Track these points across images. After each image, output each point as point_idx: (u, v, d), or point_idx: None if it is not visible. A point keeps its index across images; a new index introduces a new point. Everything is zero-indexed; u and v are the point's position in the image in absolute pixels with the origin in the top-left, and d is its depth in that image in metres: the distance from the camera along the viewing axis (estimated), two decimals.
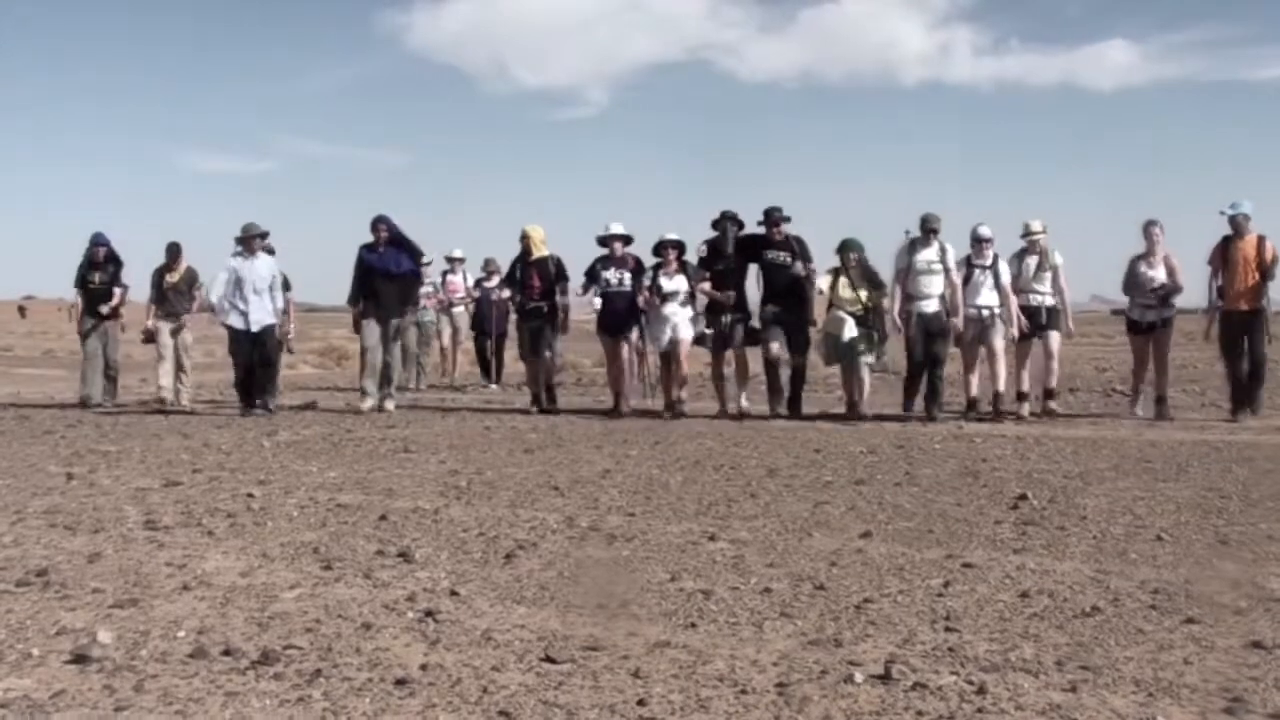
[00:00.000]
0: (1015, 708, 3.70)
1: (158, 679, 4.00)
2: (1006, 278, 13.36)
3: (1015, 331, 13.30)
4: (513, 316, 16.96)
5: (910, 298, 13.30)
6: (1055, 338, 13.69)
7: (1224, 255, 13.10)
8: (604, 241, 14.35)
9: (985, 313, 13.28)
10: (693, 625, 4.70)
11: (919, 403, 13.57)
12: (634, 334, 14.34)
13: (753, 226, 13.94)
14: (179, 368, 15.75)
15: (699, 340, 13.90)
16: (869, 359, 13.53)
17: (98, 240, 16.28)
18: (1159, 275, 13.37)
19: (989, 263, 13.34)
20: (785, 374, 13.87)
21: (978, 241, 13.44)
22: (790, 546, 6.22)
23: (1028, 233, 13.77)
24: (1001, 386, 13.47)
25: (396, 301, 14.73)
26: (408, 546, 6.14)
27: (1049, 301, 13.71)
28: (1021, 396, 13.53)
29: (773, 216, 13.70)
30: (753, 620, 4.76)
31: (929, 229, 13.42)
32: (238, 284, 14.26)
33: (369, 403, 14.55)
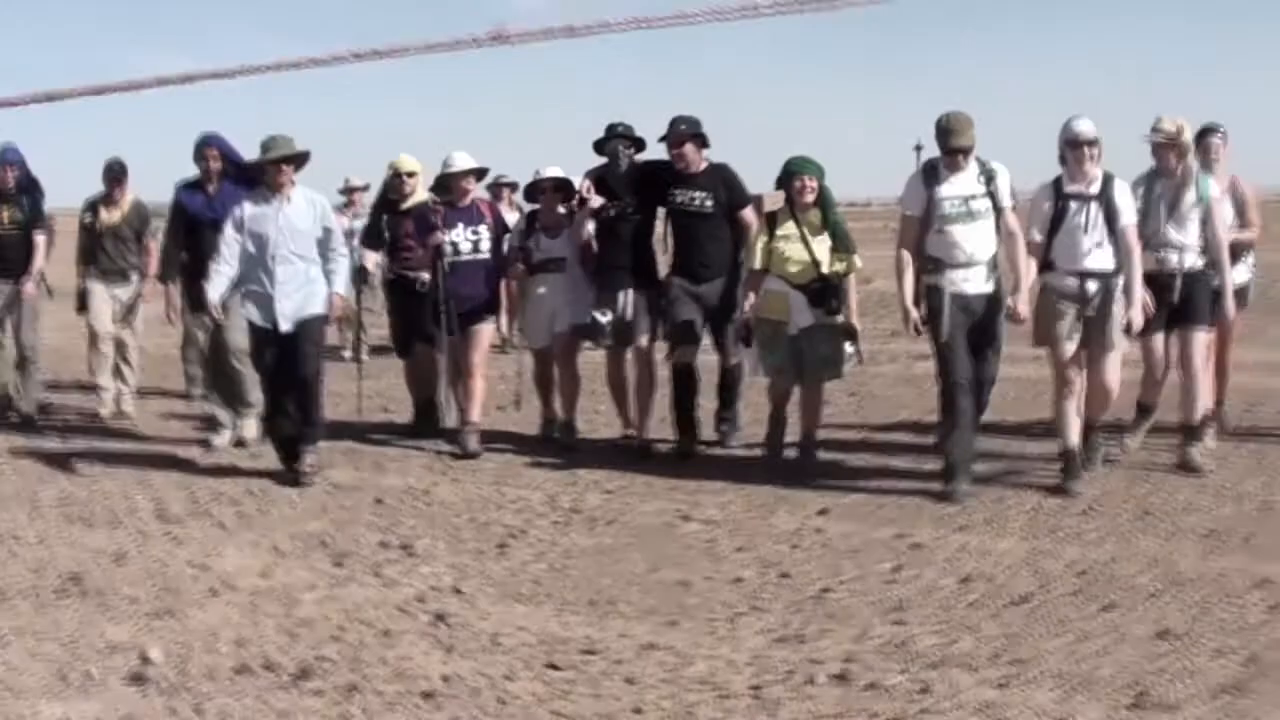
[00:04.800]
0: (954, 706, 4.35)
1: (212, 699, 4.58)
2: (1131, 214, 7.44)
3: (1138, 317, 7.38)
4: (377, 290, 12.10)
5: (933, 265, 7.44)
6: (1200, 340, 7.86)
7: None
8: (442, 184, 9.50)
9: (1093, 284, 7.39)
10: (675, 623, 5.33)
11: (968, 489, 7.38)
12: (490, 324, 9.52)
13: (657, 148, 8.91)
14: (120, 358, 10.71)
15: (587, 331, 9.03)
16: (830, 369, 8.23)
17: (5, 157, 10.06)
18: None
19: (1096, 189, 7.38)
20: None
21: (1074, 147, 7.39)
22: None
23: (1163, 136, 7.76)
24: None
25: None
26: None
27: (1195, 262, 7.79)
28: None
29: (679, 133, 8.58)
30: (726, 616, 5.40)
31: (954, 146, 7.34)
32: (256, 247, 8.20)
33: (220, 436, 9.41)
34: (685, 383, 8.80)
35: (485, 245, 9.10)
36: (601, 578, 6.04)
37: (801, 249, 8.00)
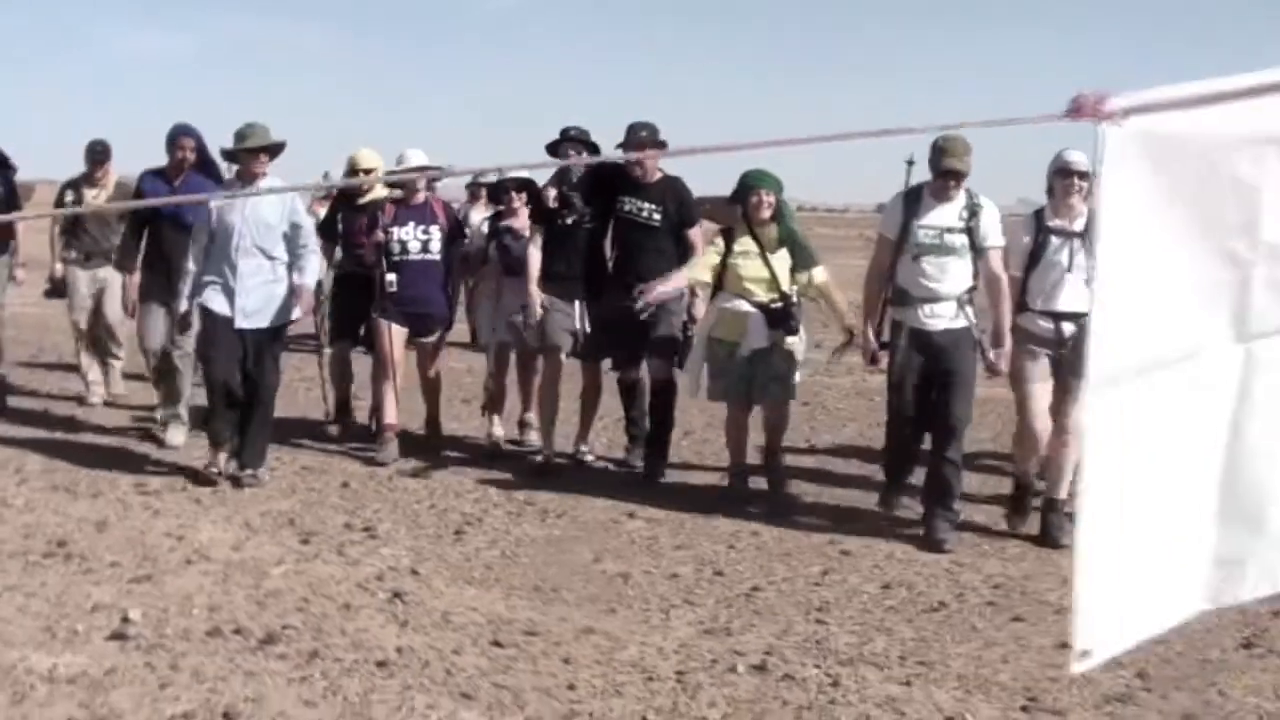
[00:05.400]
0: (860, 699, 4.83)
1: (187, 657, 5.03)
2: None
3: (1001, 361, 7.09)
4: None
5: (901, 298, 7.14)
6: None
7: None
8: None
9: (1069, 326, 6.97)
10: (612, 611, 5.80)
11: (907, 502, 7.58)
12: (437, 334, 9.17)
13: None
14: (108, 336, 10.51)
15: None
16: (784, 391, 7.92)
17: None
18: None
19: (1080, 225, 6.92)
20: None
21: (1064, 176, 7.01)
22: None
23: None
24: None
25: None
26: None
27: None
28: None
29: (637, 137, 8.19)
30: (661, 608, 5.87)
31: (948, 167, 6.87)
32: (221, 238, 7.93)
33: (175, 434, 9.05)
34: (637, 396, 8.71)
35: (435, 246, 8.84)
36: (548, 566, 6.49)
37: (760, 266, 7.64)
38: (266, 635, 5.29)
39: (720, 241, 7.84)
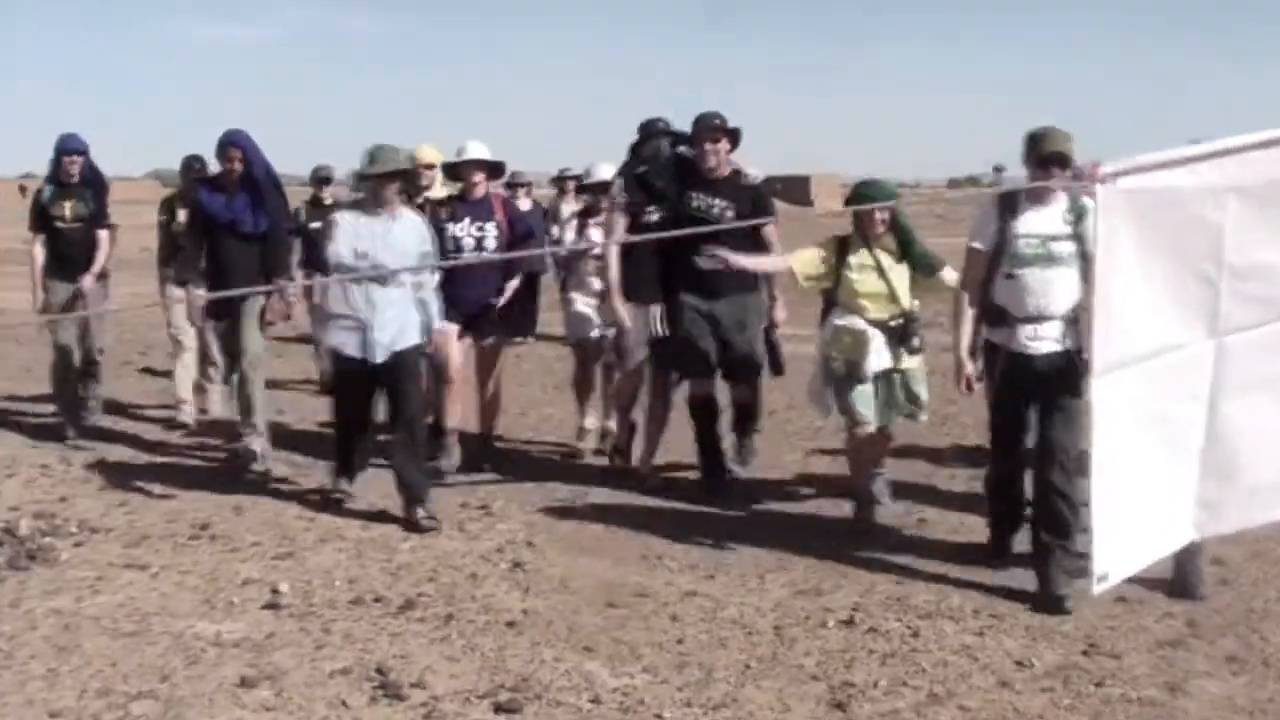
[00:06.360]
0: (939, 648, 5.39)
1: (336, 623, 5.68)
2: None
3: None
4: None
5: (999, 318, 6.21)
6: None
7: None
8: (453, 172, 8.85)
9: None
10: (712, 576, 6.38)
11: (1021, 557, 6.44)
12: (494, 339, 8.76)
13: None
14: (203, 359, 9.85)
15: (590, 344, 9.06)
16: (907, 410, 7.22)
17: (69, 146, 9.54)
18: None
19: None
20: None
21: None
22: None
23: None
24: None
25: (258, 279, 8.33)
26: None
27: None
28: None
29: (708, 128, 7.69)
30: (757, 572, 6.44)
31: (1048, 150, 5.92)
32: (353, 270, 7.36)
33: (254, 442, 8.70)
34: (708, 416, 8.06)
35: (490, 244, 8.42)
36: (651, 537, 7.08)
37: (878, 281, 6.98)
38: (405, 602, 5.94)
39: (822, 251, 7.16)
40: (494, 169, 8.85)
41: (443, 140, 9.96)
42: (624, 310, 7.99)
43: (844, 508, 7.57)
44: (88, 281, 9.53)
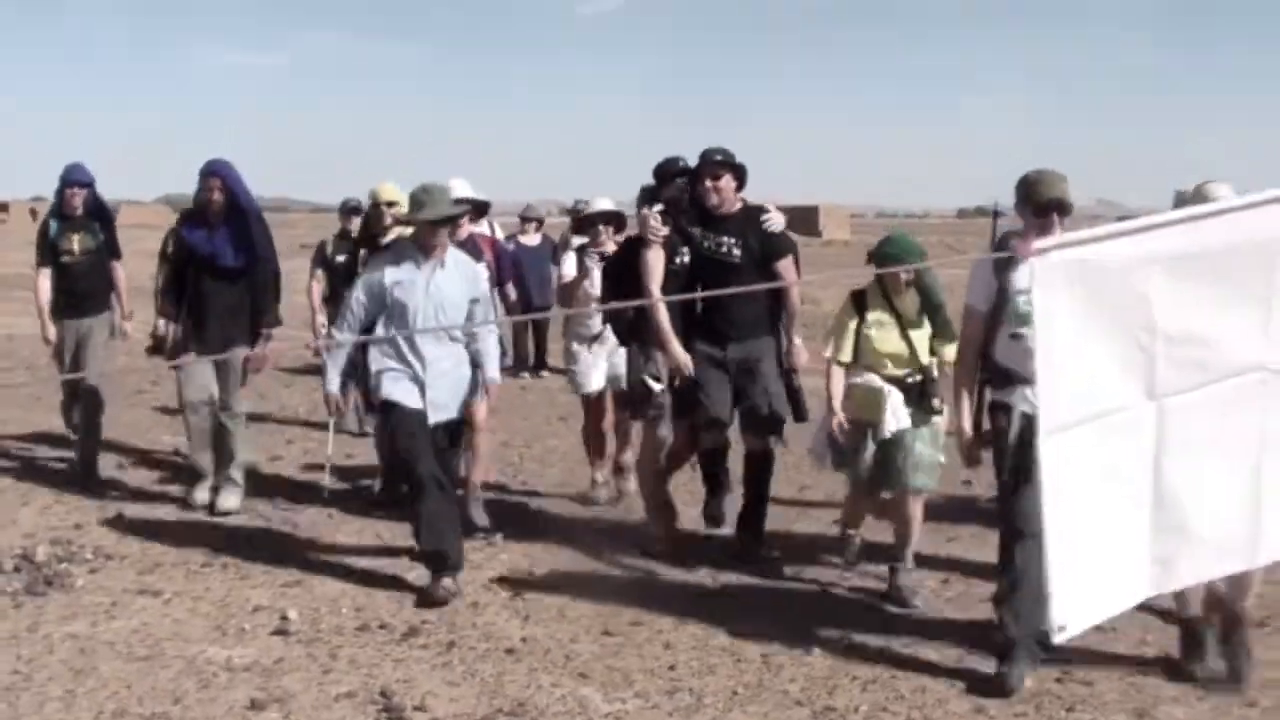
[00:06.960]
0: (918, 674, 5.62)
1: (343, 649, 5.94)
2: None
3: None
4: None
5: (1004, 379, 5.73)
6: None
7: None
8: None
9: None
10: (704, 606, 6.62)
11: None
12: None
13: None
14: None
15: (635, 400, 7.86)
16: (925, 480, 6.80)
17: (72, 178, 9.20)
18: None
19: None
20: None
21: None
22: None
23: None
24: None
25: (240, 317, 8.41)
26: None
27: None
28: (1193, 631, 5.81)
29: (708, 164, 7.25)
30: (748, 602, 6.68)
31: (1047, 200, 5.46)
32: (399, 320, 6.86)
33: (199, 493, 8.61)
34: (718, 455, 7.62)
35: None
36: (647, 570, 7.33)
37: (897, 339, 6.72)
38: (409, 629, 6.19)
39: (844, 319, 6.89)
40: (479, 208, 8.54)
41: (462, 172, 10.13)
42: (684, 356, 7.22)
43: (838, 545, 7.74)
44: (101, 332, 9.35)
